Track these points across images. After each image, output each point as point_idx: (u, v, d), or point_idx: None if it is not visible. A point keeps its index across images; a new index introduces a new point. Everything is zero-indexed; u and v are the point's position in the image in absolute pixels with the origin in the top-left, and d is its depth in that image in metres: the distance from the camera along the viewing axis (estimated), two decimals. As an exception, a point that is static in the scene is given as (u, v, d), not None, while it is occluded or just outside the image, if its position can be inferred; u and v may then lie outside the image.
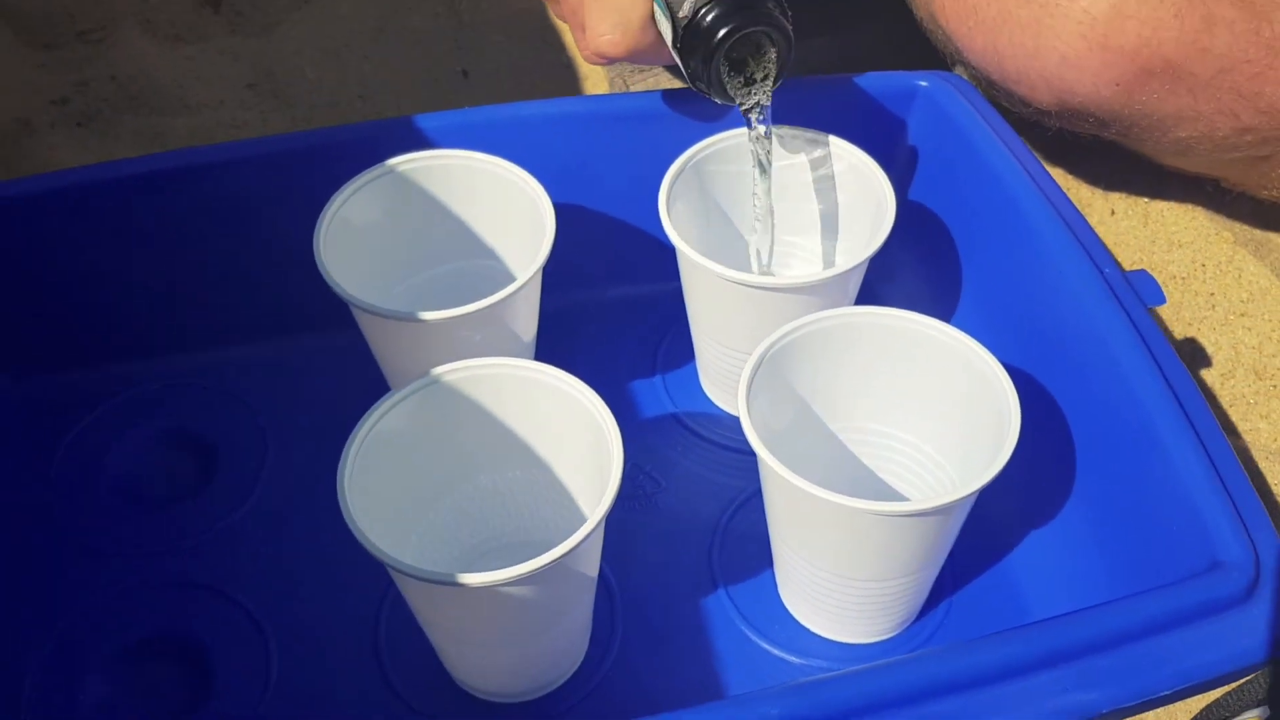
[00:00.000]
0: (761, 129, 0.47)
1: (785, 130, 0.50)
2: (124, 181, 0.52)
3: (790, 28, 0.44)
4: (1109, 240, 0.63)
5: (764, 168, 0.47)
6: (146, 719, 0.45)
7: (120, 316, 0.54)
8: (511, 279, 0.46)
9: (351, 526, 0.38)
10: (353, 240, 0.49)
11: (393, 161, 0.49)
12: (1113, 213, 0.64)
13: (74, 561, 0.49)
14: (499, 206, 0.50)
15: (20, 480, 0.51)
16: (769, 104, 0.46)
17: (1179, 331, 0.59)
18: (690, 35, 0.43)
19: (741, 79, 0.46)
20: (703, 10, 0.43)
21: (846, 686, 0.35)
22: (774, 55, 0.45)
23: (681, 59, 0.45)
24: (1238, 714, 0.38)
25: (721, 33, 0.43)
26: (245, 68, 0.75)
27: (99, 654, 0.46)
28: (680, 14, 0.44)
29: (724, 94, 0.46)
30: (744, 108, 0.46)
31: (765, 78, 0.45)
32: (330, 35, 0.78)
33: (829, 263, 0.52)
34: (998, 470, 0.39)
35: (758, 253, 0.50)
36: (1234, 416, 0.57)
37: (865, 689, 0.35)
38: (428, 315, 0.44)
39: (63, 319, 0.54)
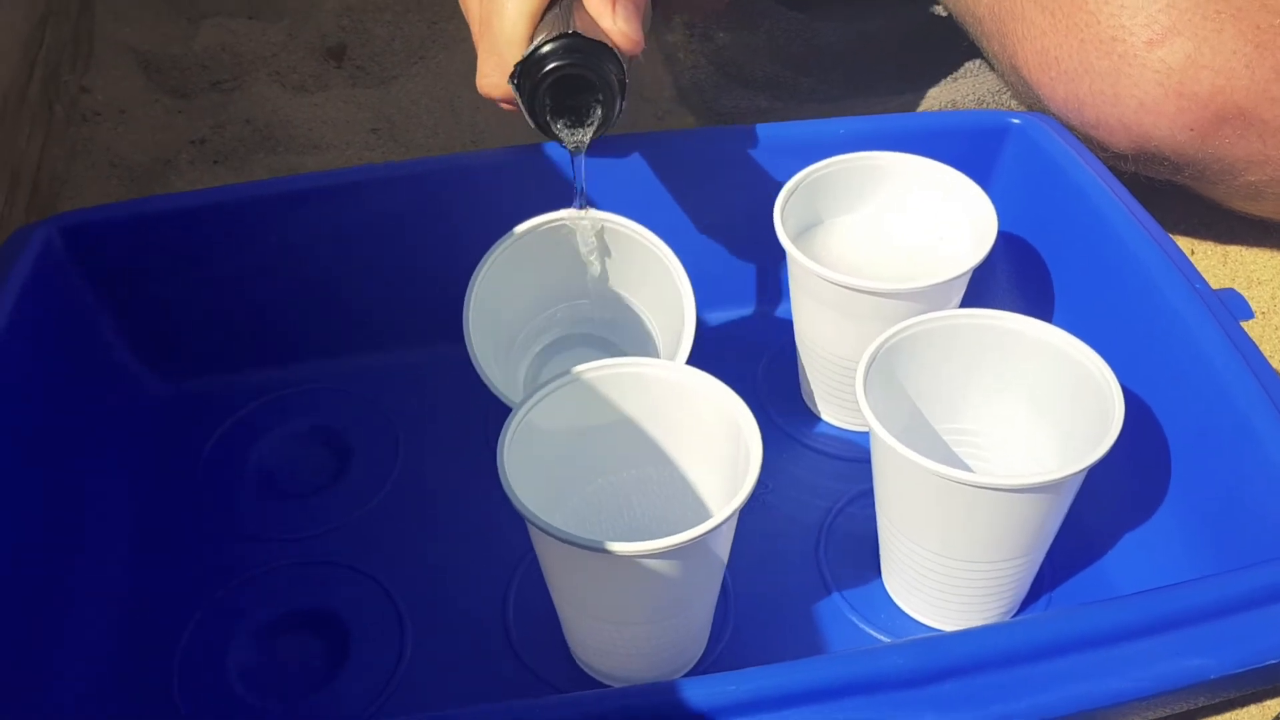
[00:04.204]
0: (577, 164, 0.49)
1: (903, 157, 0.54)
2: (276, 198, 0.56)
3: (617, 89, 0.46)
4: (1191, 277, 0.66)
5: (580, 204, 0.50)
6: (289, 685, 0.48)
7: (267, 325, 0.59)
8: None
9: (508, 491, 0.41)
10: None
11: (522, 229, 0.52)
12: (1193, 252, 0.67)
13: (223, 546, 0.52)
14: (637, 270, 0.53)
15: (175, 472, 0.55)
16: (584, 150, 0.48)
17: (1262, 362, 0.62)
18: (524, 69, 0.46)
19: (570, 122, 0.48)
20: (542, 49, 0.46)
21: (971, 640, 0.37)
22: (598, 108, 0.47)
23: (516, 92, 0.47)
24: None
25: (550, 66, 0.45)
26: (368, 114, 0.81)
27: (246, 626, 0.49)
28: (525, 50, 0.47)
29: (547, 129, 0.48)
30: (567, 145, 0.48)
31: (590, 124, 0.48)
32: (444, 88, 0.83)
33: (931, 276, 0.56)
34: (1103, 453, 0.41)
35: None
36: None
37: (990, 642, 0.37)
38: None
39: (215, 326, 0.58)
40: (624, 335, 0.55)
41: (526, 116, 0.48)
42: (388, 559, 0.51)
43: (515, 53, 0.47)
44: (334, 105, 0.81)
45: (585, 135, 0.48)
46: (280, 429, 0.57)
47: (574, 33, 0.45)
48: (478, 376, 0.56)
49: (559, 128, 0.48)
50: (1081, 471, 0.42)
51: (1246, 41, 0.54)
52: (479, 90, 0.50)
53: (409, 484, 0.55)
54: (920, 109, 0.79)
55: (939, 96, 0.79)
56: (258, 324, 0.59)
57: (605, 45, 0.46)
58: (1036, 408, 0.47)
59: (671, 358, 0.49)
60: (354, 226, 0.57)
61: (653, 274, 0.52)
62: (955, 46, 0.79)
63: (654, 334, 0.54)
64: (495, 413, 0.47)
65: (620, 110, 0.47)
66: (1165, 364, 0.49)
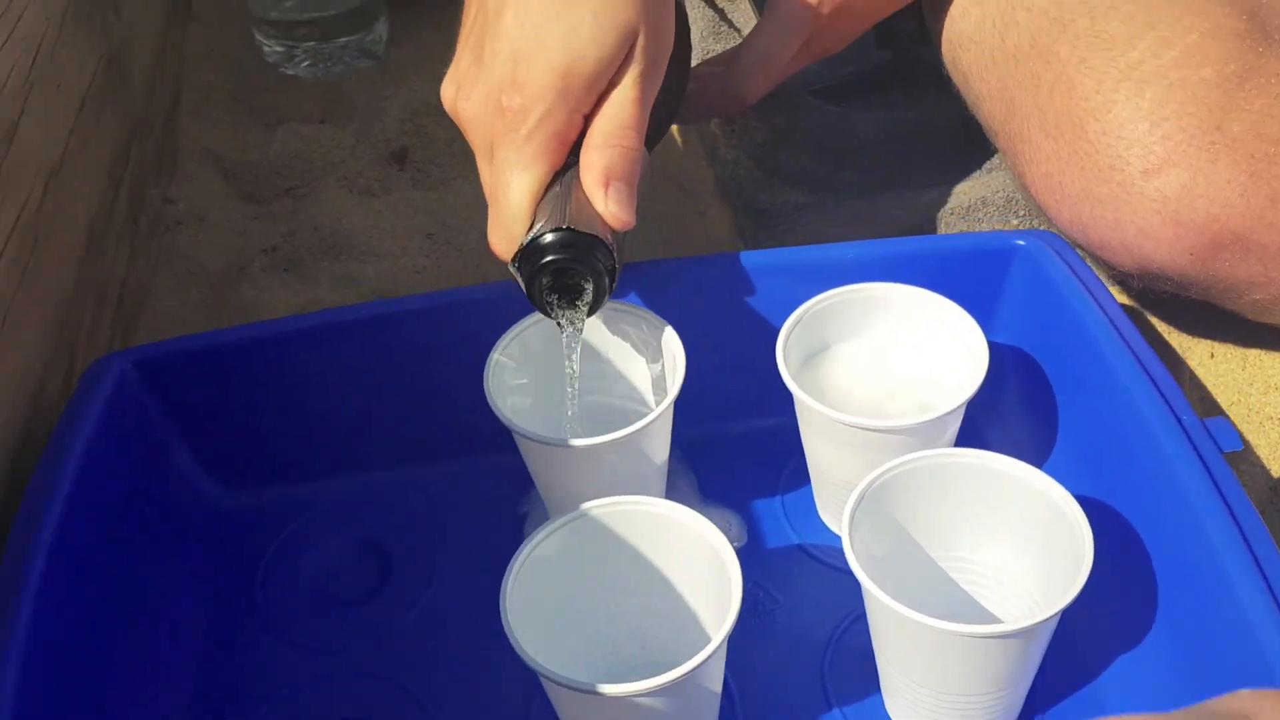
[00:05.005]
0: (569, 341, 0.53)
1: (904, 289, 0.57)
2: (329, 328, 0.62)
3: (607, 278, 0.51)
4: (1208, 382, 0.67)
5: (571, 376, 0.54)
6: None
7: (318, 439, 0.64)
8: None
9: (511, 639, 0.45)
10: (514, 376, 0.57)
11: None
12: (1212, 355, 0.68)
13: (274, 652, 0.58)
14: (632, 354, 0.58)
15: (233, 580, 0.61)
16: (578, 329, 0.53)
17: (1276, 470, 0.63)
18: (524, 255, 0.51)
19: (564, 303, 0.53)
20: (540, 238, 0.51)
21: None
22: (589, 293, 0.52)
23: (517, 274, 0.52)
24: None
25: (545, 259, 0.51)
26: (424, 219, 0.86)
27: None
28: (526, 237, 0.51)
29: (542, 308, 0.53)
30: (559, 324, 0.53)
31: (582, 306, 0.53)
32: (497, 189, 0.88)
33: (928, 408, 0.58)
34: (1070, 599, 0.44)
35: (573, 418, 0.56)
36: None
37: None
38: (578, 442, 0.52)
39: (272, 441, 0.64)
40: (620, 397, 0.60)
41: (525, 293, 0.52)
42: (422, 671, 0.56)
43: (519, 227, 0.52)
44: (394, 210, 0.87)
45: (578, 315, 0.52)
46: (329, 540, 0.62)
47: (568, 227, 0.50)
48: (515, 486, 0.61)
49: (555, 307, 0.53)
50: (1053, 616, 0.44)
51: (1241, 170, 0.56)
52: (490, 248, 0.55)
53: (444, 595, 0.59)
54: (951, 204, 0.81)
55: (970, 191, 0.82)
56: (313, 438, 0.64)
57: (596, 238, 0.50)
58: (1018, 544, 0.50)
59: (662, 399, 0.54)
60: (398, 351, 0.62)
61: (642, 342, 0.58)
62: (988, 140, 0.81)
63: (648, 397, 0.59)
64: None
65: (609, 290, 0.52)
66: (1150, 493, 0.51)
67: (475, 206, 0.87)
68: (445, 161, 0.92)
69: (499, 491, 0.62)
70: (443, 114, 0.96)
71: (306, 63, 1.00)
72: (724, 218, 0.86)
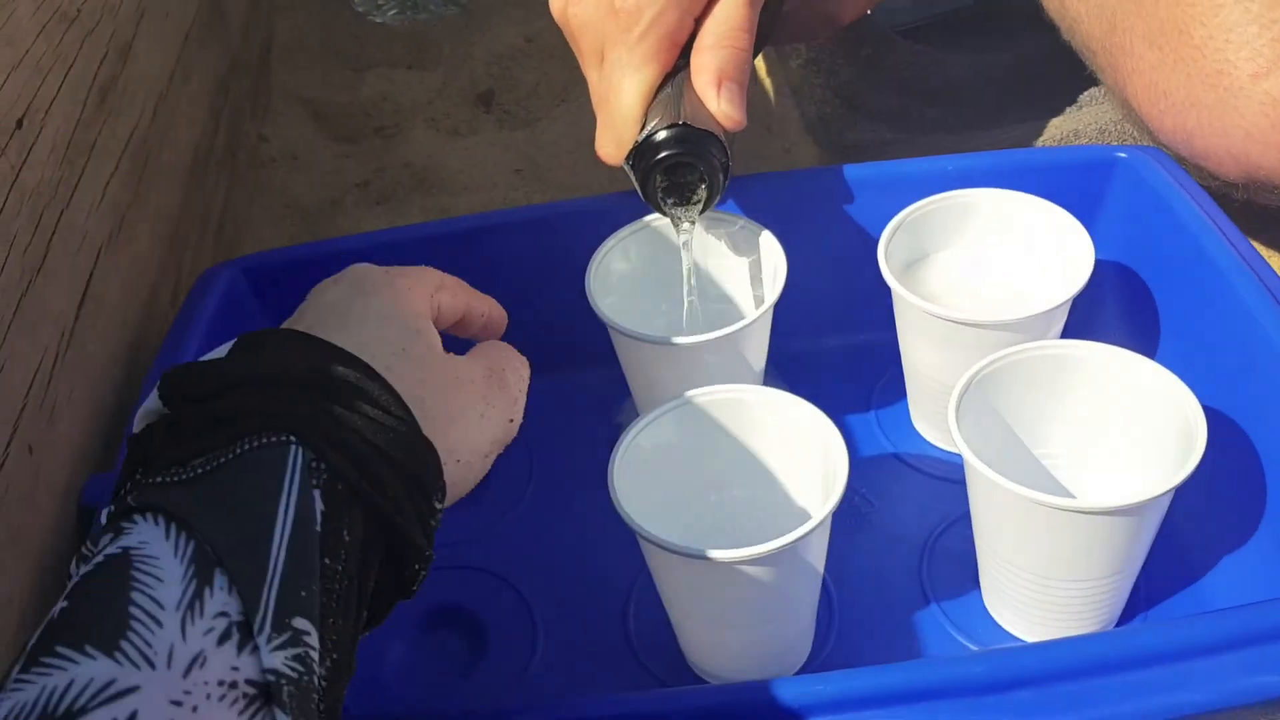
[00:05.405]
0: (685, 238, 0.54)
1: (1000, 192, 0.57)
2: (423, 239, 0.63)
3: (721, 174, 0.52)
4: (1312, 304, 0.66)
5: (688, 272, 0.55)
6: (435, 677, 0.53)
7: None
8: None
9: (618, 508, 0.46)
10: (614, 281, 0.58)
11: (644, 221, 0.59)
12: (1315, 278, 0.67)
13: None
14: (735, 261, 0.59)
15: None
16: (692, 225, 0.53)
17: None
18: (638, 153, 0.52)
19: (678, 200, 0.53)
20: (655, 135, 0.51)
21: (1043, 652, 0.40)
22: (702, 189, 0.52)
23: (631, 172, 0.53)
24: None
25: (661, 154, 0.51)
26: (512, 156, 0.87)
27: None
28: (640, 135, 0.52)
29: (657, 206, 0.53)
30: (674, 222, 0.54)
31: (696, 203, 0.53)
32: (583, 130, 0.89)
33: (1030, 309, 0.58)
34: (1182, 479, 0.43)
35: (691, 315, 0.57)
36: None
37: (1060, 655, 0.40)
38: (679, 340, 0.52)
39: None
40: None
41: (640, 193, 0.53)
42: (520, 563, 0.57)
43: (630, 130, 0.52)
44: (482, 148, 0.88)
45: (693, 213, 0.53)
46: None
47: (684, 123, 0.51)
48: (607, 405, 0.62)
49: (669, 205, 0.53)
50: (1166, 493, 0.44)
51: (1354, 73, 0.54)
52: (598, 155, 0.55)
53: (543, 497, 0.60)
54: (1043, 138, 0.81)
55: (1062, 126, 0.81)
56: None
57: (710, 134, 0.51)
58: (1124, 433, 0.49)
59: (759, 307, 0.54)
60: (494, 264, 0.63)
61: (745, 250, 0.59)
62: (1077, 75, 0.80)
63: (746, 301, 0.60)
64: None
65: (723, 187, 0.52)
66: (1259, 389, 0.50)
67: (562, 144, 0.88)
68: (530, 104, 0.93)
69: (596, 401, 0.63)
70: (527, 57, 0.98)
71: (394, 10, 1.02)
72: (810, 155, 0.86)
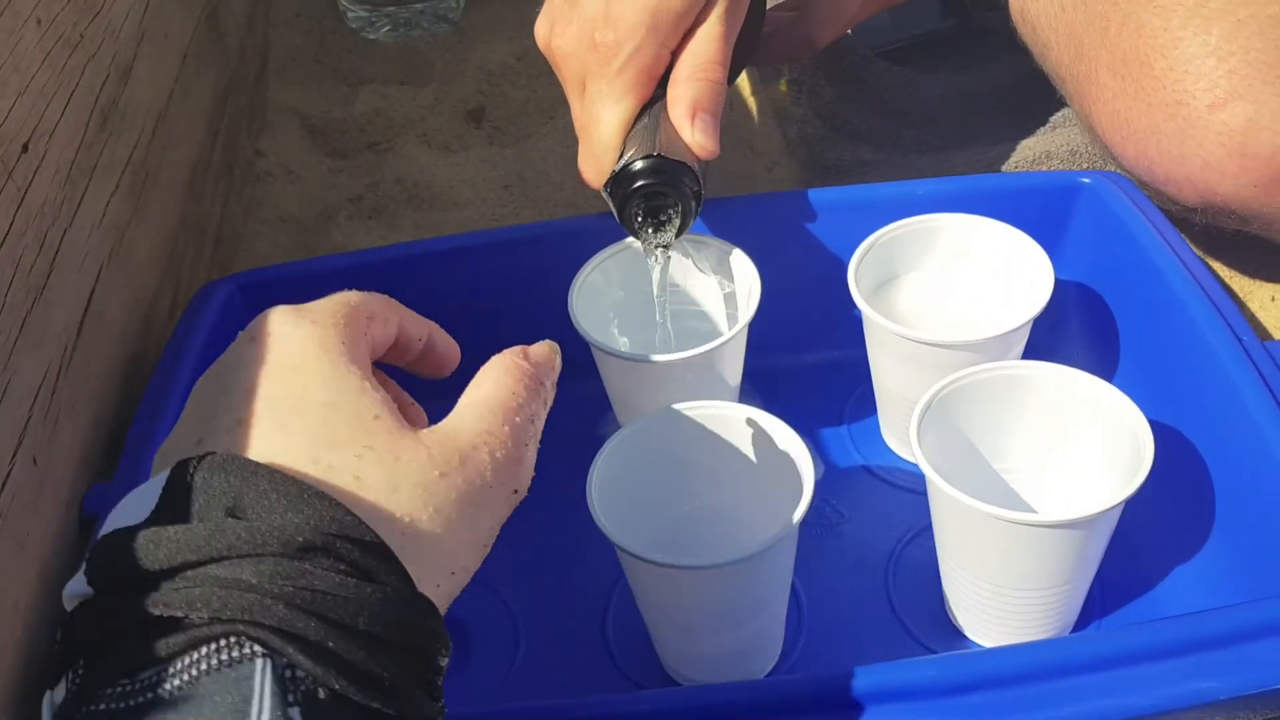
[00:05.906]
0: (657, 264, 0.57)
1: (966, 218, 0.59)
2: (413, 257, 0.65)
3: (694, 202, 0.54)
4: (1269, 324, 0.68)
5: (661, 295, 0.57)
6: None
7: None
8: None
9: (596, 519, 0.48)
10: (596, 299, 0.60)
11: (625, 242, 0.61)
12: (1273, 299, 0.70)
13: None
14: (710, 282, 0.61)
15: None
16: (666, 249, 0.56)
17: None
18: (615, 180, 0.55)
19: (652, 226, 0.56)
20: (631, 165, 0.54)
21: (996, 657, 0.42)
22: (675, 215, 0.55)
23: (609, 199, 0.56)
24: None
25: (636, 184, 0.54)
26: (501, 173, 0.89)
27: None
28: (617, 163, 0.55)
29: (632, 231, 0.56)
30: (646, 246, 0.56)
31: (670, 229, 0.56)
32: (570, 146, 0.91)
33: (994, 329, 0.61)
34: (1130, 492, 0.46)
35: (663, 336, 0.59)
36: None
37: (1012, 660, 0.42)
38: (657, 357, 0.55)
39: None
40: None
41: (617, 218, 0.56)
42: (508, 575, 0.59)
43: (609, 157, 0.55)
44: (473, 164, 0.90)
45: (666, 238, 0.56)
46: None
47: (659, 154, 0.53)
48: (590, 417, 0.64)
49: (644, 230, 0.56)
50: (1115, 507, 0.46)
51: (1305, 104, 0.57)
52: (580, 177, 0.58)
53: (525, 505, 0.62)
54: (1017, 157, 0.83)
55: (1034, 147, 0.83)
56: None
57: (683, 164, 0.54)
58: (1078, 448, 0.52)
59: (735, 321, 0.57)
60: (480, 281, 0.65)
61: (720, 271, 0.61)
62: (1051, 98, 0.83)
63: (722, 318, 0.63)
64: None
65: (695, 214, 0.55)
66: (1209, 406, 0.53)
67: (550, 161, 0.91)
68: (520, 120, 0.96)
69: (578, 415, 0.65)
70: (518, 75, 1.00)
71: (387, 27, 1.04)
72: (792, 174, 0.88)
